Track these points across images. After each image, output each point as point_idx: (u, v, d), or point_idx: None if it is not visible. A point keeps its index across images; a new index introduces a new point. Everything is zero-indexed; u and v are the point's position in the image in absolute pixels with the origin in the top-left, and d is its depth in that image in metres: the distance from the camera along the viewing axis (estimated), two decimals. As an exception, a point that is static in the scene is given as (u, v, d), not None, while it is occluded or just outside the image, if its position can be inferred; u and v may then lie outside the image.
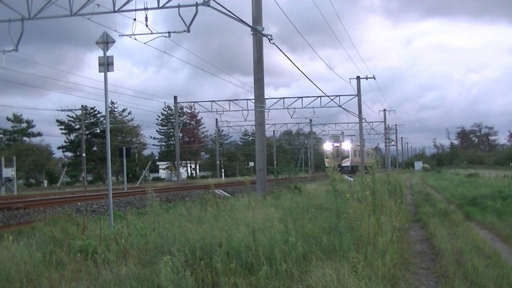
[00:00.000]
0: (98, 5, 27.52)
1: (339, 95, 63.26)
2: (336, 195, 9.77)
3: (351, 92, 64.50)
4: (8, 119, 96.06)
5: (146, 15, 27.98)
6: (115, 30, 39.62)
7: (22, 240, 11.04)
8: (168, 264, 6.50)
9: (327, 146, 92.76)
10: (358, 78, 63.51)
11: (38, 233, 11.95)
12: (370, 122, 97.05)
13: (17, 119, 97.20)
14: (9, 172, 55.21)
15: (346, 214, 9.76)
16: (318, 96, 63.75)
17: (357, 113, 64.78)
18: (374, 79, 65.42)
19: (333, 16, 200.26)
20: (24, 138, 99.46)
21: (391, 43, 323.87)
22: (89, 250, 9.66)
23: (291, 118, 72.34)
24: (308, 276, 7.55)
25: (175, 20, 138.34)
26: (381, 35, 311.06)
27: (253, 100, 27.55)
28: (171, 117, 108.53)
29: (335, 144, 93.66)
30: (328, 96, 61.35)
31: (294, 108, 67.57)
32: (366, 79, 64.74)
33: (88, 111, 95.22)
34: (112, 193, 15.76)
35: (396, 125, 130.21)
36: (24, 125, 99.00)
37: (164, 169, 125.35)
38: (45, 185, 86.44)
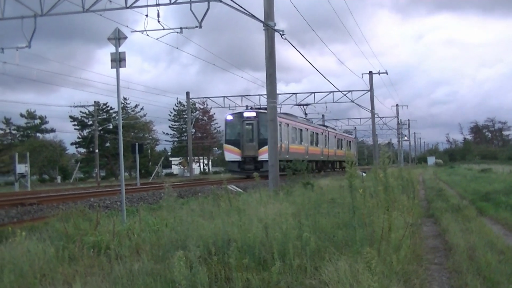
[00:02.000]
0: (110, 1, 27.61)
1: (351, 90, 63.12)
2: (352, 190, 9.75)
3: (362, 87, 64.55)
4: (21, 115, 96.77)
5: (158, 10, 28.08)
6: (127, 26, 39.71)
7: (35, 236, 11.10)
8: (182, 259, 6.51)
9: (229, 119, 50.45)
10: (370, 73, 63.45)
11: (51, 228, 12.01)
12: (383, 117, 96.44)
13: (30, 115, 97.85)
14: (23, 168, 55.57)
15: (359, 209, 9.74)
16: (331, 91, 63.58)
17: (370, 108, 64.66)
18: (387, 74, 65.39)
19: (340, 11, 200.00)
20: (38, 134, 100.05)
21: (401, 38, 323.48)
22: (102, 245, 9.69)
23: (304, 113, 72.27)
24: (321, 271, 7.55)
25: (186, 15, 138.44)
26: (390, 30, 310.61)
27: (265, 96, 27.56)
28: (183, 113, 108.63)
29: (246, 115, 49.06)
30: (340, 91, 61.24)
31: (307, 103, 67.46)
32: (379, 74, 64.70)
33: (100, 107, 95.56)
34: (125, 189, 15.80)
35: (409, 120, 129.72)
36: (37, 121, 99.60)
37: (176, 164, 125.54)
38: (59, 181, 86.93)
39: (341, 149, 77.60)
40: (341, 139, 79.84)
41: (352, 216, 9.63)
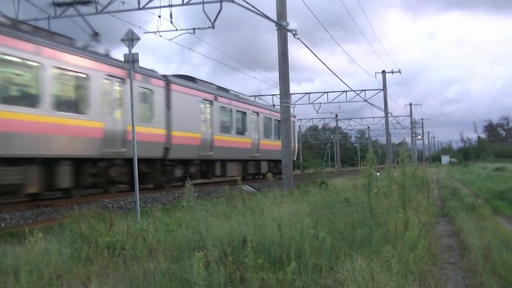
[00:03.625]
0: (123, 2, 27.75)
1: (365, 90, 62.95)
2: (368, 190, 9.75)
3: (374, 85, 64.43)
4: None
5: (170, 11, 28.16)
6: (140, 27, 39.85)
7: (50, 237, 11.17)
8: (201, 260, 6.53)
9: None
10: (383, 72, 63.36)
11: (66, 229, 12.07)
12: (396, 116, 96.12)
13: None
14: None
15: (374, 209, 9.74)
16: (344, 91, 63.49)
17: (383, 108, 64.52)
18: (400, 73, 65.29)
19: (351, 10, 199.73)
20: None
21: (412, 37, 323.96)
22: (116, 246, 9.73)
23: (317, 113, 72.07)
24: (336, 271, 7.55)
25: (197, 16, 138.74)
26: (401, 29, 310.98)
27: (278, 96, 27.59)
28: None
29: None
30: (353, 91, 61.11)
31: (320, 103, 67.33)
32: (392, 73, 64.60)
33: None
34: (139, 189, 15.83)
35: (422, 119, 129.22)
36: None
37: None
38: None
39: (242, 133, 39.29)
40: (243, 113, 39.55)
41: (368, 215, 9.64)
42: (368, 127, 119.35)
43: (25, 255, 9.29)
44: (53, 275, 8.20)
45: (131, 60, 15.43)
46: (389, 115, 69.78)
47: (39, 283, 7.98)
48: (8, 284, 7.90)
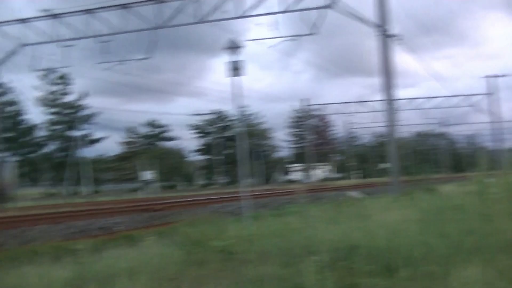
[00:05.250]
0: (225, 11, 28.17)
1: (470, 95, 61.44)
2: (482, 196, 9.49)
3: (480, 90, 62.61)
4: (146, 124, 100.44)
5: (271, 19, 28.30)
6: (240, 36, 40.33)
7: (163, 240, 11.42)
8: (313, 265, 6.54)
9: None
10: (490, 76, 61.64)
11: (177, 233, 12.32)
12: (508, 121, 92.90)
13: (153, 124, 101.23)
14: (149, 175, 57.40)
15: (488, 215, 9.46)
16: (450, 96, 62.13)
17: (491, 113, 62.75)
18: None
19: (451, 14, 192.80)
20: (161, 142, 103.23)
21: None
22: (229, 250, 9.84)
23: (422, 119, 70.84)
24: (449, 279, 7.38)
25: (295, 23, 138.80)
26: (505, 32, 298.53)
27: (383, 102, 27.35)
28: (301, 120, 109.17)
29: None
30: (458, 96, 59.79)
31: (424, 108, 66.13)
32: (499, 77, 62.72)
33: (220, 116, 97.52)
34: (247, 195, 15.98)
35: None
36: (159, 129, 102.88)
37: (296, 171, 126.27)
38: (182, 187, 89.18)
39: None
40: None
41: (481, 222, 9.38)
42: (477, 132, 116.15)
43: (137, 258, 9.52)
44: (165, 278, 8.37)
45: (237, 68, 15.60)
46: (499, 120, 67.65)
47: (151, 285, 8.17)
48: (121, 286, 8.11)
